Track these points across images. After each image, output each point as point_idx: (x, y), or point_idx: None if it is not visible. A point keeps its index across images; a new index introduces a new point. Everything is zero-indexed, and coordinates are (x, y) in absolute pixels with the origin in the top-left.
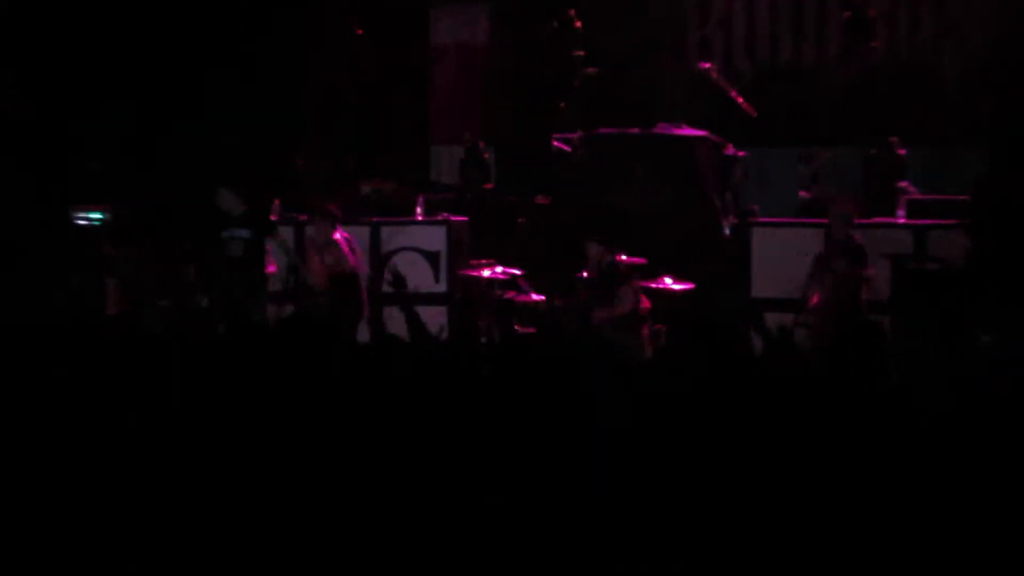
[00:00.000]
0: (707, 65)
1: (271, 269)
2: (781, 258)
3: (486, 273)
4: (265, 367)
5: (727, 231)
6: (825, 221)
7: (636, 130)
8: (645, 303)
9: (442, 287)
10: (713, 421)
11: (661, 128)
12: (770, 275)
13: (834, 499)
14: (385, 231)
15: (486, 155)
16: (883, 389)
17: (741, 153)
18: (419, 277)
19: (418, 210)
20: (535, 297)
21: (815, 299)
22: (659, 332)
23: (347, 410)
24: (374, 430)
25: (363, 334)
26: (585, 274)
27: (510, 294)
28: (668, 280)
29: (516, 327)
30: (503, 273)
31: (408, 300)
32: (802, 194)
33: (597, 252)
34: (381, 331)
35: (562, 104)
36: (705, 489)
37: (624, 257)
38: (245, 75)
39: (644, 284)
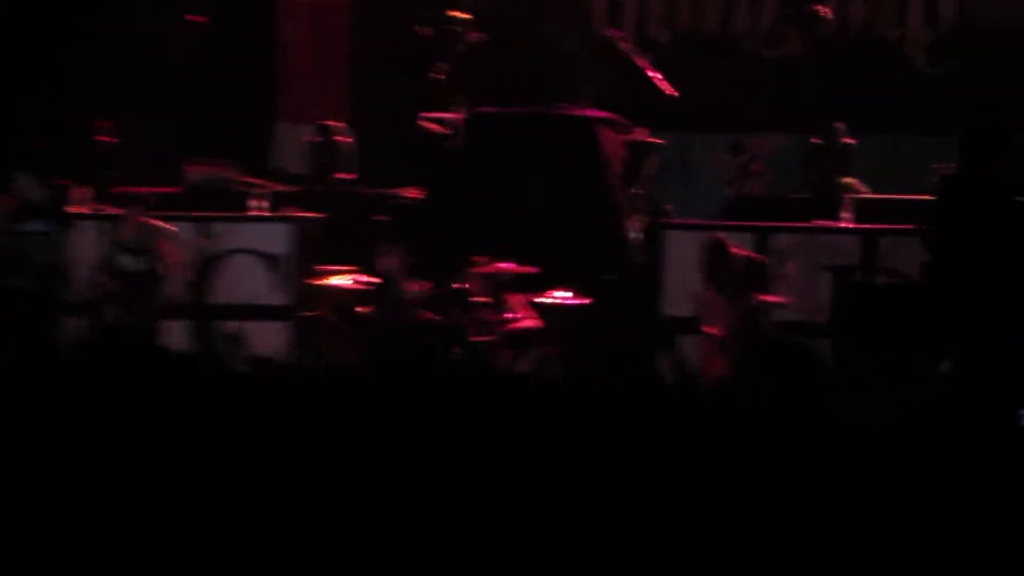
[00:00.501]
0: (616, 33)
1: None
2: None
3: (342, 282)
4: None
5: (635, 234)
6: (757, 224)
7: (527, 110)
8: (534, 321)
9: (284, 299)
10: (609, 466)
11: (558, 108)
12: (686, 289)
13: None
14: (215, 228)
15: (345, 138)
16: (816, 424)
17: (655, 140)
18: (255, 286)
19: (255, 203)
20: (404, 312)
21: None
22: (551, 356)
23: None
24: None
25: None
26: (465, 285)
27: (373, 308)
28: (562, 293)
29: (377, 348)
30: (363, 283)
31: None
32: (728, 190)
33: (479, 260)
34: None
35: (439, 76)
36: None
37: (510, 265)
38: (38, 32)
39: (534, 298)
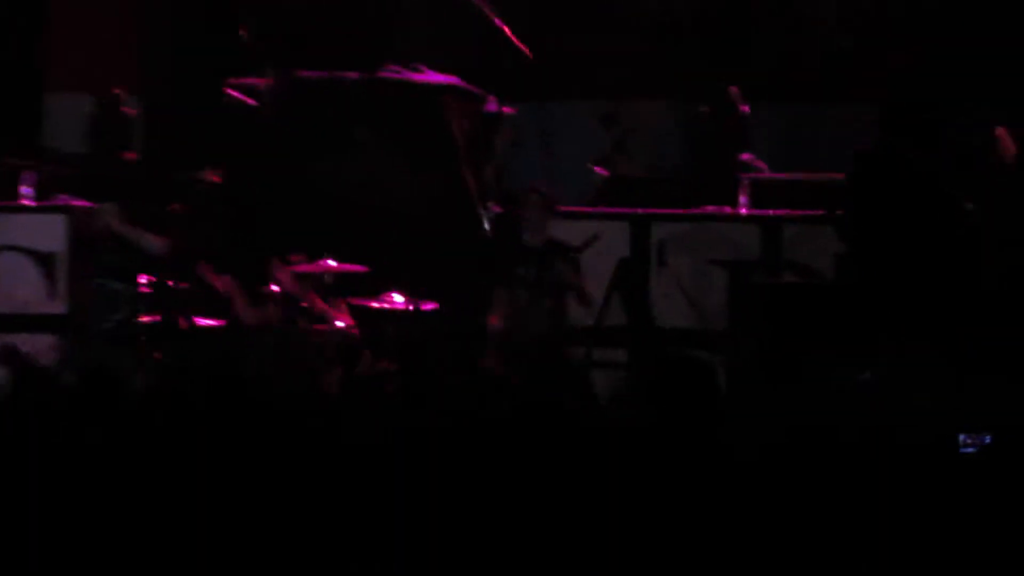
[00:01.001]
0: None
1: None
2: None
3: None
4: None
5: (486, 224)
6: (634, 211)
7: (354, 74)
8: (357, 330)
9: (59, 305)
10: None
11: (391, 71)
12: None
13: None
14: None
15: (129, 109)
16: (707, 446)
17: (508, 109)
18: (25, 290)
19: (23, 190)
20: (202, 321)
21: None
22: (382, 373)
23: None
24: None
25: None
26: (274, 288)
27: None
28: (397, 296)
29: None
30: (152, 286)
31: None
32: (598, 170)
33: (293, 257)
34: None
35: (243, 33)
36: None
37: (332, 263)
38: None
39: (359, 302)
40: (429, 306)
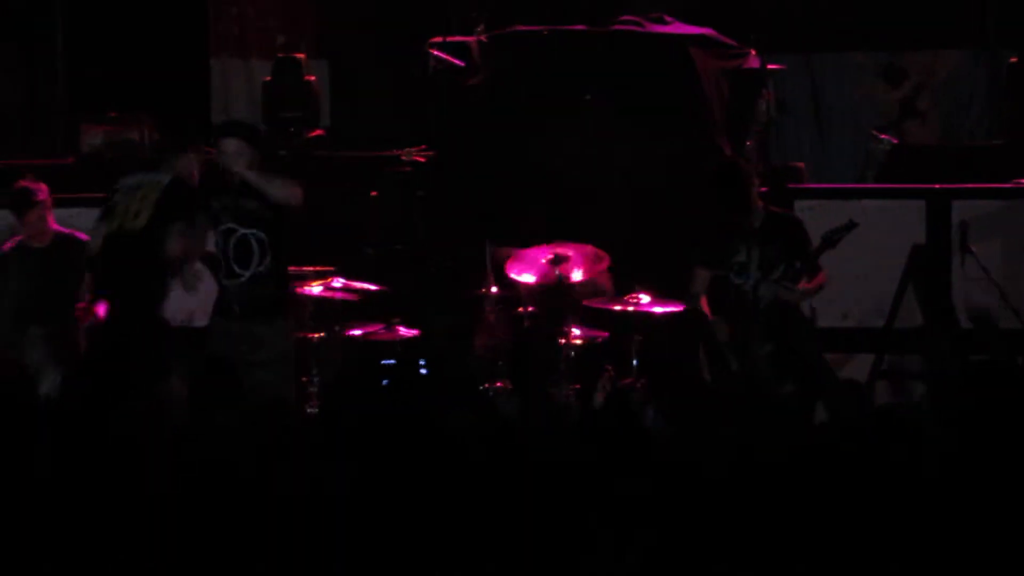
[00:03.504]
0: None
1: None
2: (846, 252)
3: (315, 290)
4: None
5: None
6: (928, 186)
7: (581, 27)
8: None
9: None
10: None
11: (627, 23)
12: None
13: None
14: None
15: (312, 76)
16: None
17: (772, 65)
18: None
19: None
20: (404, 331)
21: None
22: (628, 389)
23: None
24: None
25: None
26: (491, 289)
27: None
28: (644, 296)
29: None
30: (344, 289)
31: None
32: (883, 137)
33: (513, 249)
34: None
35: None
36: None
37: (568, 251)
38: None
39: (598, 304)
40: (676, 307)
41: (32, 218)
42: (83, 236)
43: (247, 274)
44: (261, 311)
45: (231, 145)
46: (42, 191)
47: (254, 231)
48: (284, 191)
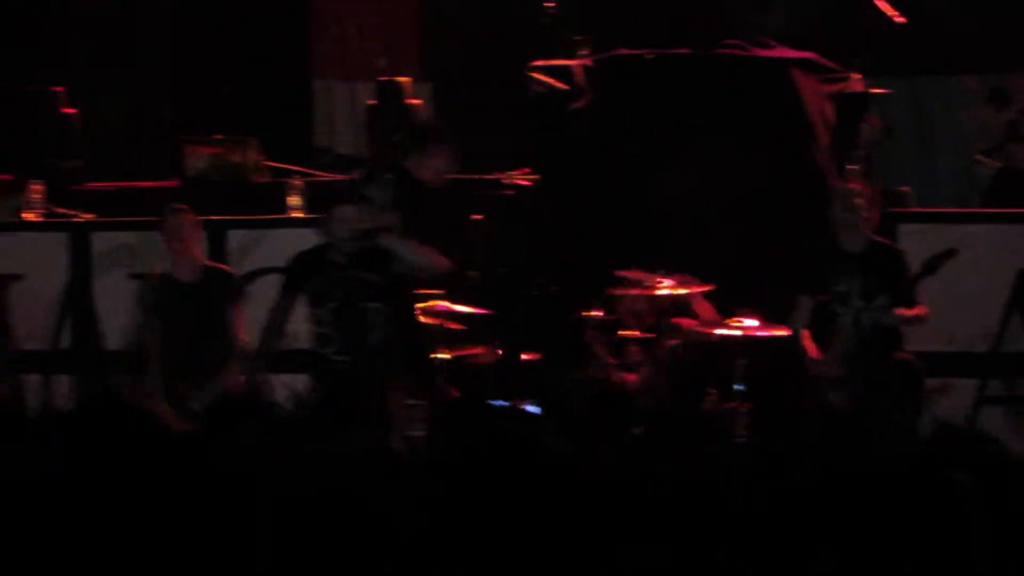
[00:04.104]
0: None
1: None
2: (952, 275)
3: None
4: None
5: None
6: None
7: (686, 51)
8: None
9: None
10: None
11: (731, 47)
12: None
13: None
14: (236, 236)
15: (417, 100)
16: None
17: (877, 89)
18: (293, 321)
19: (294, 199)
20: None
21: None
22: (732, 413)
23: None
24: None
25: None
26: (597, 312)
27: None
28: (747, 320)
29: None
30: (449, 311)
31: None
32: (988, 161)
33: (628, 274)
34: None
35: (550, 5)
36: None
37: (668, 280)
38: None
39: (703, 328)
40: (780, 331)
41: (172, 227)
42: (229, 269)
43: (362, 349)
44: (378, 378)
45: (350, 213)
46: (188, 212)
47: (371, 304)
48: (426, 260)
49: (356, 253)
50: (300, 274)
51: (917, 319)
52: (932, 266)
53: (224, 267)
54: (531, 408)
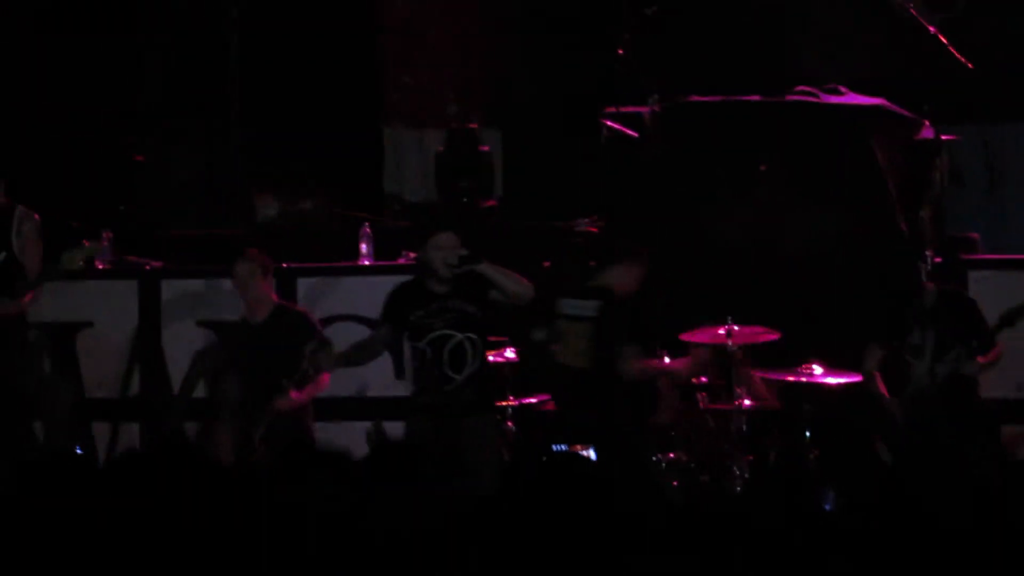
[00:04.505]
0: None
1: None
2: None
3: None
4: None
5: (925, 277)
6: None
7: (755, 96)
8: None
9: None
10: None
11: (801, 93)
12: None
13: None
14: (306, 284)
15: (486, 147)
16: None
17: (947, 136)
18: (366, 369)
19: (363, 247)
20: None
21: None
22: (799, 457)
23: None
24: None
25: None
26: (666, 359)
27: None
28: (816, 368)
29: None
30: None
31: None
32: None
33: (701, 323)
34: None
35: (621, 53)
36: None
37: (735, 328)
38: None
39: (772, 375)
40: (851, 378)
41: (243, 274)
42: (303, 309)
43: (459, 379)
44: (472, 409)
45: (448, 240)
46: (257, 254)
47: (469, 335)
48: (520, 286)
49: (454, 282)
50: (399, 306)
51: (991, 364)
52: (1011, 318)
53: (298, 307)
54: (589, 453)
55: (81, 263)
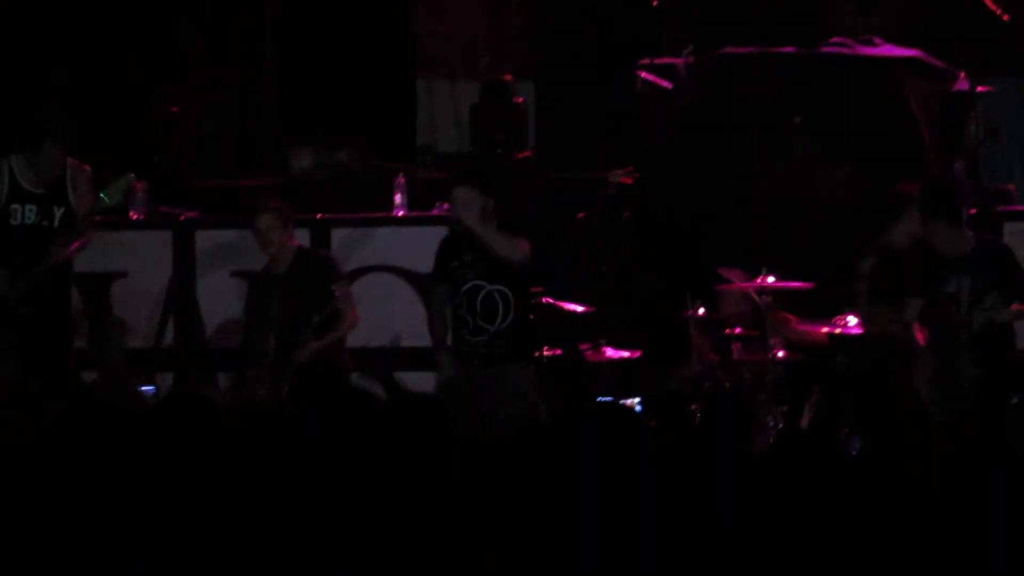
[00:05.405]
0: None
1: None
2: None
3: None
4: None
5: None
6: None
7: (791, 48)
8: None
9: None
10: None
11: (836, 45)
12: None
13: None
14: (340, 235)
15: (520, 99)
16: None
17: (983, 88)
18: (399, 319)
19: (398, 198)
20: (611, 352)
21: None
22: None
23: None
24: None
25: None
26: (698, 311)
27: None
28: (851, 319)
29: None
30: (553, 307)
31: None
32: None
33: (730, 272)
34: None
35: (655, 2)
36: None
37: (770, 279)
38: None
39: (807, 327)
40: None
41: (262, 226)
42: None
43: (491, 329)
44: (505, 359)
45: (463, 194)
46: (277, 203)
47: (499, 287)
48: (508, 247)
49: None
50: (443, 260)
51: None
52: None
53: (321, 251)
54: (635, 404)
55: (121, 197)
